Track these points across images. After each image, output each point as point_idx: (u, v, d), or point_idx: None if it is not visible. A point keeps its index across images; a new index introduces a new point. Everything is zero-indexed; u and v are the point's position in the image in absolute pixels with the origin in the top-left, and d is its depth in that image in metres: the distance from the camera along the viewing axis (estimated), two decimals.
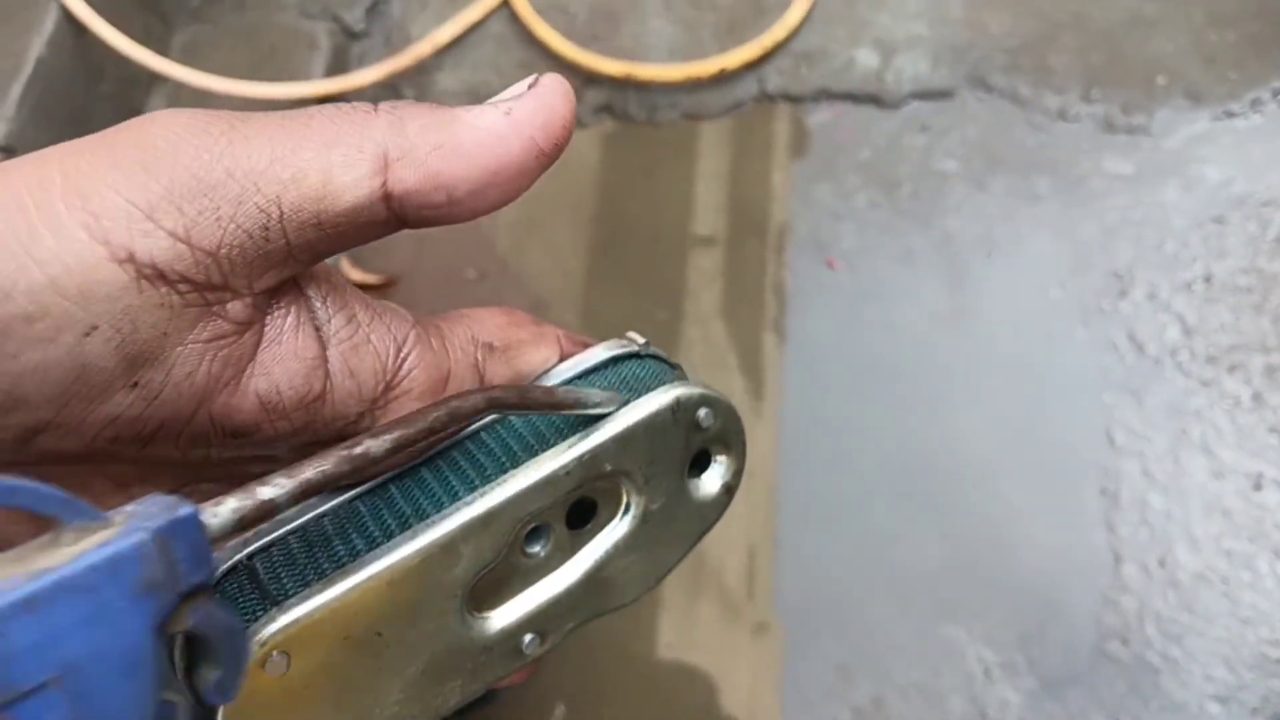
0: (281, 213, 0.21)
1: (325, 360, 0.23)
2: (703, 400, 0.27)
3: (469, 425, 0.26)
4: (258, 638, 0.22)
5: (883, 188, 1.06)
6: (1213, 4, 1.10)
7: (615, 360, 0.28)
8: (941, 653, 0.87)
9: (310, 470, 0.21)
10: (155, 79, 1.14)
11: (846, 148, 1.09)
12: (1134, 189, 1.02)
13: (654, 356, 0.29)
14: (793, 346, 1.00)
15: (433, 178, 0.22)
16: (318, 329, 0.23)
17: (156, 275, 0.20)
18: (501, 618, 0.26)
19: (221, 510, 0.20)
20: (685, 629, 0.90)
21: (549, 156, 0.23)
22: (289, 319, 0.23)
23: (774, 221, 1.07)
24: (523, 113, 0.23)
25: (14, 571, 0.17)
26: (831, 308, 1.02)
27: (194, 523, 0.19)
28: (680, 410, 0.27)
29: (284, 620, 0.22)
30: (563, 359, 0.28)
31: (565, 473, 0.25)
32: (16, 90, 1.00)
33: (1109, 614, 0.86)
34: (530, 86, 0.23)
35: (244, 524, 0.20)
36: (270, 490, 0.20)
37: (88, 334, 0.20)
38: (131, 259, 0.20)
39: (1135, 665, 0.85)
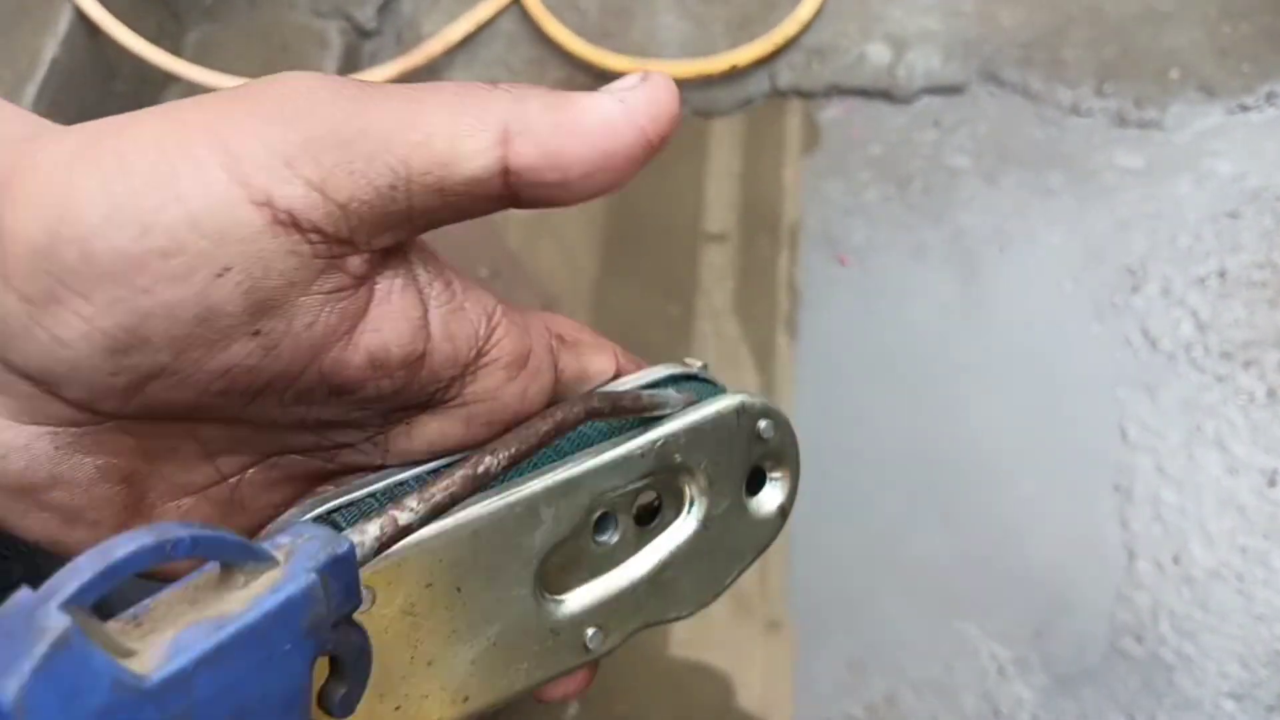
0: (409, 173, 0.22)
1: (427, 322, 0.24)
2: (764, 411, 0.29)
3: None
4: None
5: (894, 183, 1.06)
6: None
7: (674, 379, 0.30)
8: (954, 649, 0.87)
9: (440, 493, 0.23)
10: (169, 78, 1.15)
11: (858, 143, 1.09)
12: (1147, 183, 1.02)
13: (711, 381, 0.31)
14: (804, 343, 1.00)
15: (551, 155, 0.23)
16: (420, 292, 0.24)
17: (291, 222, 0.21)
18: (570, 603, 0.27)
19: (367, 539, 0.21)
20: (698, 626, 0.90)
21: (655, 148, 0.24)
22: (397, 280, 0.24)
23: (785, 218, 1.07)
24: (635, 103, 0.24)
25: (193, 617, 0.17)
26: (843, 304, 1.02)
27: (352, 558, 0.20)
28: (744, 415, 0.29)
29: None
30: (617, 375, 0.29)
31: (641, 454, 0.27)
32: (31, 91, 1.01)
33: (1122, 610, 0.86)
34: (642, 80, 0.24)
35: (383, 548, 0.21)
36: (407, 515, 0.22)
37: (220, 275, 0.20)
38: (269, 203, 0.20)
39: (1149, 662, 0.84)
